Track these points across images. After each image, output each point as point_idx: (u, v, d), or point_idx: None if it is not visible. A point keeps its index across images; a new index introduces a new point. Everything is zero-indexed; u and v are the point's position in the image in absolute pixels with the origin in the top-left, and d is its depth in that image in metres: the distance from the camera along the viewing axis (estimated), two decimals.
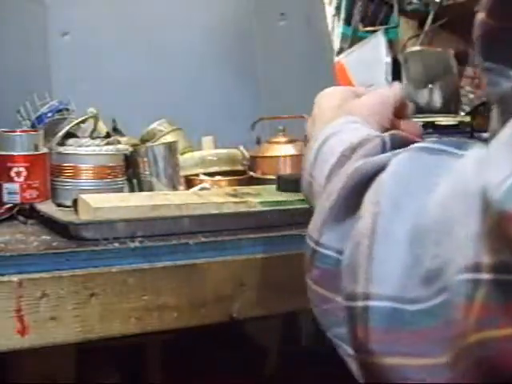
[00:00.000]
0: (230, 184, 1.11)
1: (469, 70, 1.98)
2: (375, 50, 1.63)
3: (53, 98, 1.10)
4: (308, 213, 0.96)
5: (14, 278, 0.69)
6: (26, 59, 1.21)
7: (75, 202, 0.88)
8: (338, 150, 0.59)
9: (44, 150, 0.95)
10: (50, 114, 1.06)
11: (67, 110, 1.07)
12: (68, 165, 0.97)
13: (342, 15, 1.91)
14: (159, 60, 1.34)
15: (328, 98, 0.74)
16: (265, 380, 1.60)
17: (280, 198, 0.96)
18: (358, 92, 0.74)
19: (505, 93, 0.50)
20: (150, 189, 1.02)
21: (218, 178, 1.13)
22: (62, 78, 1.23)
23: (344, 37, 1.90)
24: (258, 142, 1.22)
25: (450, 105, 1.71)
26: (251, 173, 1.17)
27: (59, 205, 0.95)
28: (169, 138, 1.16)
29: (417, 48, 1.90)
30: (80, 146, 0.97)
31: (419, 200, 0.44)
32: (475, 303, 0.37)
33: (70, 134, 1.00)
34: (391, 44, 1.83)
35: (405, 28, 2.00)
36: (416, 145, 0.50)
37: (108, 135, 1.04)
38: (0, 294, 0.68)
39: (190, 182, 1.10)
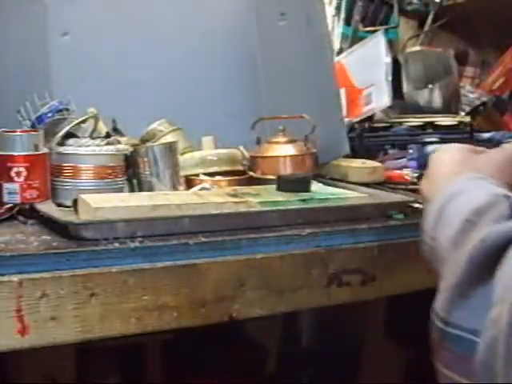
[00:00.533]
0: (230, 184, 1.11)
1: (469, 70, 1.98)
2: (375, 50, 1.63)
3: (53, 98, 1.10)
4: (309, 212, 0.96)
5: (14, 278, 0.69)
6: (25, 59, 1.21)
7: (75, 202, 0.88)
8: (462, 213, 0.55)
9: (44, 150, 0.95)
10: (50, 114, 1.06)
11: (67, 109, 1.07)
12: (68, 165, 0.97)
13: (342, 15, 1.91)
14: (159, 60, 1.34)
15: (448, 155, 0.70)
16: (265, 380, 1.60)
17: (280, 198, 0.97)
18: (478, 149, 0.71)
19: None
20: (150, 189, 1.02)
21: (218, 178, 1.13)
22: (62, 78, 1.23)
23: (344, 37, 1.90)
24: (258, 142, 1.22)
25: (450, 105, 1.71)
26: (251, 173, 1.17)
27: (59, 205, 0.95)
28: (169, 138, 1.16)
29: (417, 48, 1.90)
30: (80, 146, 0.97)
31: None
32: None
33: (70, 134, 1.00)
34: (391, 44, 1.83)
35: (405, 28, 2.00)
36: None
37: (108, 135, 1.04)
38: (0, 294, 0.68)
39: (190, 182, 1.10)
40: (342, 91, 1.51)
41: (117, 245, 0.77)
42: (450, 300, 0.49)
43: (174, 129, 1.19)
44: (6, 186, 0.93)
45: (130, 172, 1.04)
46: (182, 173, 1.08)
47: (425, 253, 0.62)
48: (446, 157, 0.70)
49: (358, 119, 1.49)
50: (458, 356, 0.48)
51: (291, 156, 1.16)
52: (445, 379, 0.50)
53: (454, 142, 0.73)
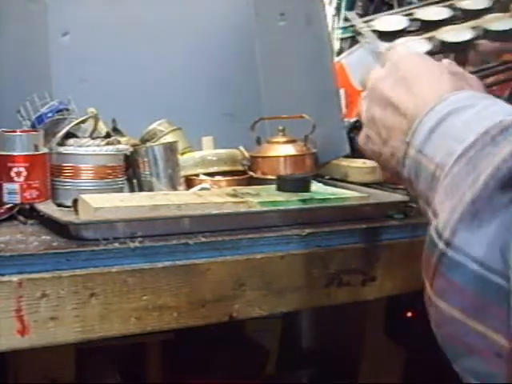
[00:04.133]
0: (230, 184, 1.11)
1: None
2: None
3: (53, 98, 1.10)
4: (309, 212, 0.96)
5: (14, 278, 0.69)
6: (26, 59, 1.21)
7: (75, 202, 0.88)
8: (479, 127, 0.46)
9: (44, 150, 0.95)
10: (50, 114, 1.06)
11: (67, 109, 1.07)
12: (68, 165, 0.97)
13: (342, 15, 1.91)
14: (159, 60, 1.34)
15: (423, 60, 0.61)
16: (265, 380, 1.60)
17: (280, 198, 0.96)
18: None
19: None
20: (150, 189, 1.02)
21: (217, 178, 1.13)
22: (62, 78, 1.23)
23: (344, 37, 1.90)
24: (258, 142, 1.22)
25: None
26: (251, 173, 1.17)
27: (59, 205, 0.95)
28: (169, 138, 1.16)
29: None
30: (80, 146, 0.97)
31: None
32: None
33: (70, 134, 1.00)
34: None
35: None
36: None
37: (108, 135, 1.04)
38: (0, 293, 0.68)
39: (189, 182, 1.10)
40: (342, 92, 1.50)
41: (117, 245, 0.77)
42: (459, 218, 0.41)
43: (173, 129, 1.19)
44: (6, 186, 0.93)
45: (130, 172, 1.04)
46: (182, 173, 1.08)
47: (401, 169, 0.56)
48: (419, 61, 0.61)
49: (358, 118, 1.48)
50: (455, 284, 0.41)
51: (291, 156, 1.16)
52: (433, 309, 0.43)
53: None
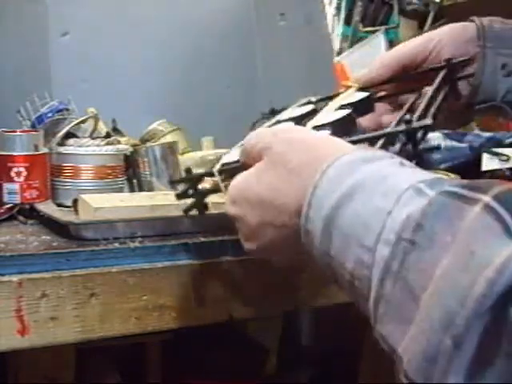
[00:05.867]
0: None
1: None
2: (375, 50, 1.63)
3: (53, 97, 1.10)
4: None
5: (14, 278, 0.69)
6: (26, 59, 1.21)
7: (75, 202, 0.88)
8: (389, 229, 0.39)
9: (44, 150, 0.95)
10: (50, 114, 1.06)
11: (67, 109, 1.07)
12: (68, 165, 0.97)
13: (342, 15, 1.92)
14: (159, 60, 1.34)
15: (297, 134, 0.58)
16: (265, 380, 1.60)
17: None
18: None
19: None
20: (150, 189, 1.02)
21: None
22: (61, 77, 1.23)
23: (344, 37, 1.91)
24: None
25: None
26: None
27: (59, 205, 0.95)
28: (169, 138, 1.16)
29: None
30: (80, 146, 0.98)
31: None
32: None
33: (70, 134, 1.00)
34: (391, 44, 1.83)
35: (405, 28, 2.00)
36: None
37: (108, 135, 1.04)
38: (0, 294, 0.68)
39: None
40: None
41: (117, 245, 0.77)
42: (449, 366, 0.35)
43: (173, 129, 1.19)
44: (6, 186, 0.93)
45: (130, 172, 1.04)
46: (182, 173, 1.08)
47: (322, 266, 0.47)
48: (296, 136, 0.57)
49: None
50: None
51: None
52: None
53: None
